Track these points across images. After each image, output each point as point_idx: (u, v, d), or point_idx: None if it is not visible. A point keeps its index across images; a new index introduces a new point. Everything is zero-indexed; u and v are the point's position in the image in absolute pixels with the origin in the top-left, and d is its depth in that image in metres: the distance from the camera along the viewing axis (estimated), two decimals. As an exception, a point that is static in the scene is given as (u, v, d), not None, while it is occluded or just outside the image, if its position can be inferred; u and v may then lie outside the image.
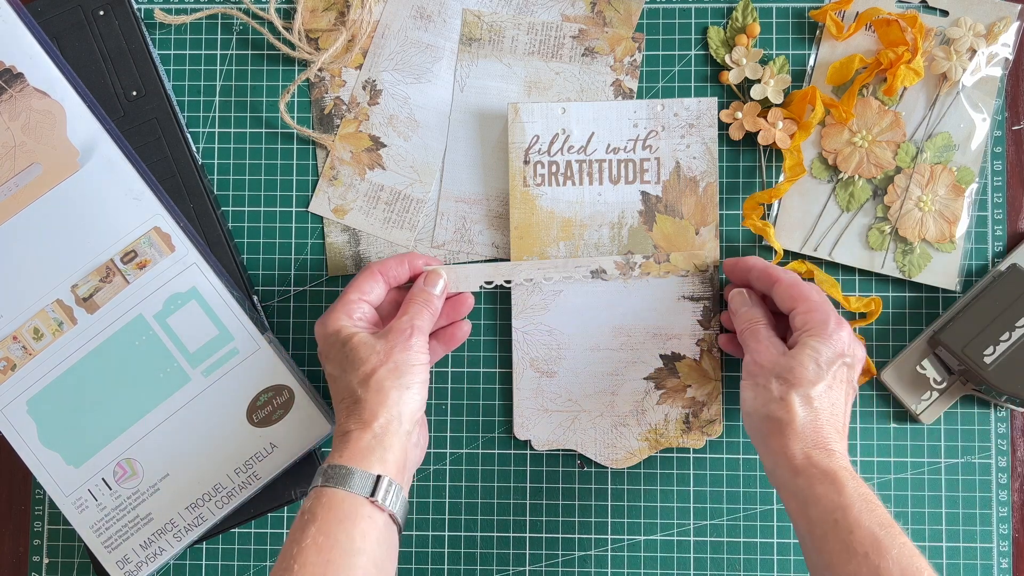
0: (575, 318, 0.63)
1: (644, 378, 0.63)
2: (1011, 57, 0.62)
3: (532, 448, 0.64)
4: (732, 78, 0.63)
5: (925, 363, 0.61)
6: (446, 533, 0.64)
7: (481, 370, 0.64)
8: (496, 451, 0.64)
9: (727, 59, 0.64)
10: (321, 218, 0.65)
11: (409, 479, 0.58)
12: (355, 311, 0.58)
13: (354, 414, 0.54)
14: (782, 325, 0.58)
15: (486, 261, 0.64)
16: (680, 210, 0.62)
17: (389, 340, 0.56)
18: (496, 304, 0.64)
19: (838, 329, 0.54)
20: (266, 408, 0.61)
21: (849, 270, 0.63)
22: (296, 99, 0.66)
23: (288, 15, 0.65)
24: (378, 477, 0.52)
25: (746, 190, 0.64)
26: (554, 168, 0.63)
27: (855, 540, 0.49)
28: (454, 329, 0.62)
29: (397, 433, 0.54)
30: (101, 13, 0.64)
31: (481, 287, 0.63)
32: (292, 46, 0.65)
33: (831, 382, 0.53)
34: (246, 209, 0.65)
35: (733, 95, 0.64)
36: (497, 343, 0.64)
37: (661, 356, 0.63)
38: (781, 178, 0.63)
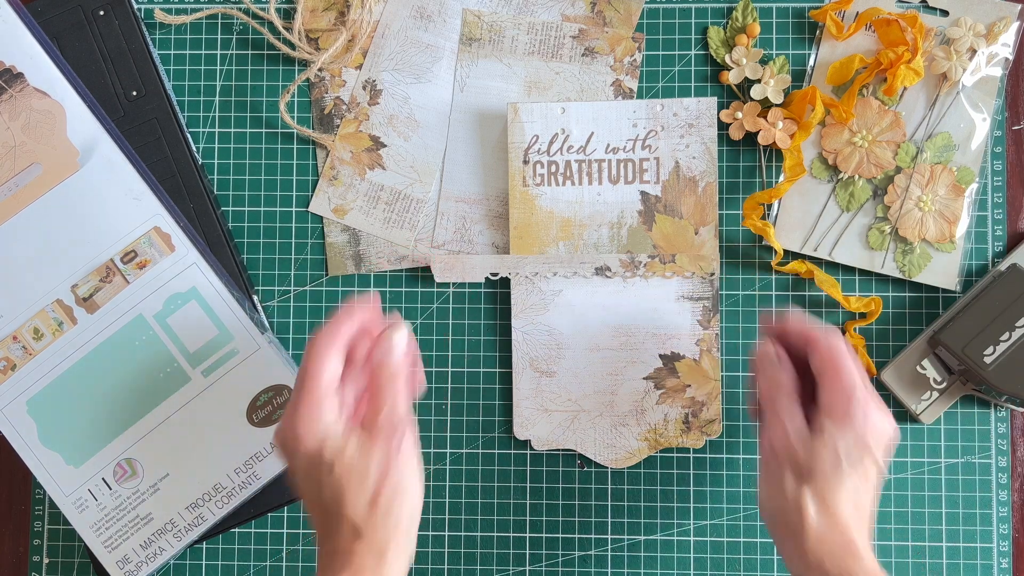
0: (575, 318, 0.63)
1: (644, 378, 0.63)
2: (1011, 57, 0.62)
3: (532, 448, 0.64)
4: (732, 78, 0.63)
5: (925, 363, 0.61)
6: (446, 533, 0.64)
7: (481, 370, 0.64)
8: (496, 451, 0.64)
9: (727, 59, 0.64)
10: (321, 218, 0.65)
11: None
12: (328, 407, 0.48)
13: (361, 542, 0.47)
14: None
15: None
16: (679, 210, 0.62)
17: (380, 445, 0.47)
18: (496, 304, 0.64)
19: (863, 409, 0.48)
20: (266, 408, 0.61)
21: (849, 270, 0.63)
22: (296, 99, 0.66)
23: (288, 15, 0.65)
24: None
25: (746, 190, 0.64)
26: (553, 168, 0.63)
27: None
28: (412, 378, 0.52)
29: (407, 550, 0.48)
30: (101, 13, 0.64)
31: (486, 278, 0.63)
32: (292, 46, 0.65)
33: (852, 475, 0.47)
34: (246, 209, 0.65)
35: (733, 95, 0.64)
36: (497, 343, 0.64)
37: (661, 356, 0.63)
38: (781, 178, 0.63)
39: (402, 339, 0.50)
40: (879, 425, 0.48)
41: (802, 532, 0.47)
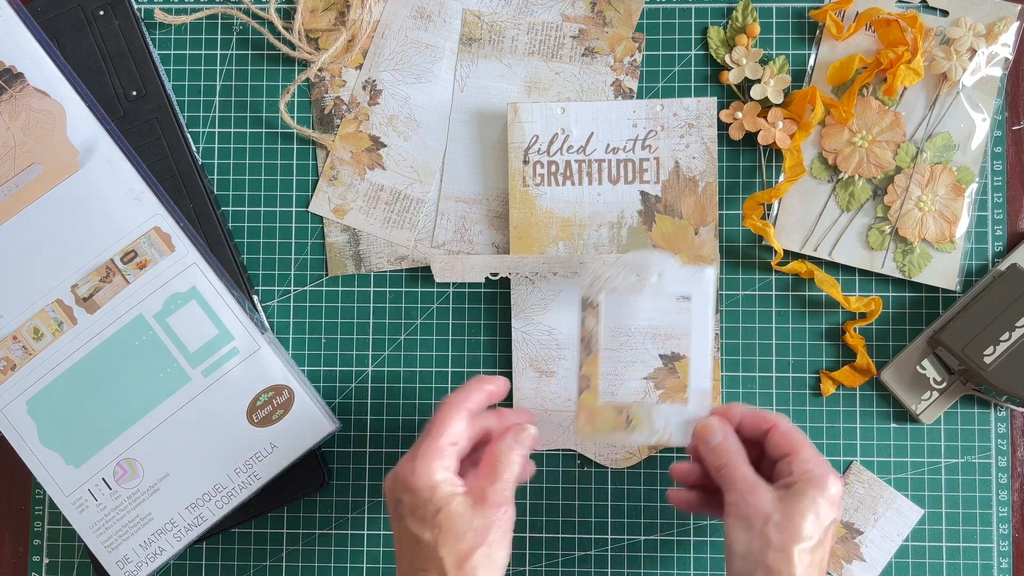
0: (575, 318, 0.63)
1: (644, 378, 0.63)
2: (1011, 57, 0.62)
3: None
4: (732, 78, 0.63)
5: (925, 363, 0.61)
6: (446, 533, 0.64)
7: (481, 370, 0.64)
8: (496, 451, 0.64)
9: (727, 59, 0.64)
10: (321, 218, 0.65)
11: None
12: (448, 457, 0.52)
13: None
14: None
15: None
16: (679, 210, 0.62)
17: (485, 514, 0.51)
18: (496, 304, 0.64)
19: (837, 483, 0.52)
20: (266, 408, 0.61)
21: (849, 270, 0.63)
22: (296, 99, 0.66)
23: (288, 15, 0.65)
24: None
25: (746, 190, 0.64)
26: (553, 168, 0.63)
27: None
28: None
29: None
30: (101, 13, 0.64)
31: (486, 279, 0.63)
32: (292, 46, 0.65)
33: (824, 539, 0.52)
34: (246, 209, 0.65)
35: (733, 95, 0.64)
36: (497, 343, 0.64)
37: (661, 356, 0.63)
38: (781, 178, 0.63)
39: (533, 437, 0.56)
40: (840, 493, 0.53)
41: None
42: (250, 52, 0.66)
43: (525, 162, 0.63)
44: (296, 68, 0.66)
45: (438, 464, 0.52)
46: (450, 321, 0.64)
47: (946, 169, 0.62)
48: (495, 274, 0.63)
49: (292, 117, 0.65)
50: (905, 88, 0.62)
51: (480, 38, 0.65)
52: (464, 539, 0.51)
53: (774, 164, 0.64)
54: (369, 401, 0.65)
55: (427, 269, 0.64)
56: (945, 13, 0.63)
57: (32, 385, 0.61)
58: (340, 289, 0.65)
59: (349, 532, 0.64)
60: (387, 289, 0.65)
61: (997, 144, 0.63)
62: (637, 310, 0.62)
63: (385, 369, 0.65)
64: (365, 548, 0.64)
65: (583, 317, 0.58)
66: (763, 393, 0.63)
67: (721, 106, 0.63)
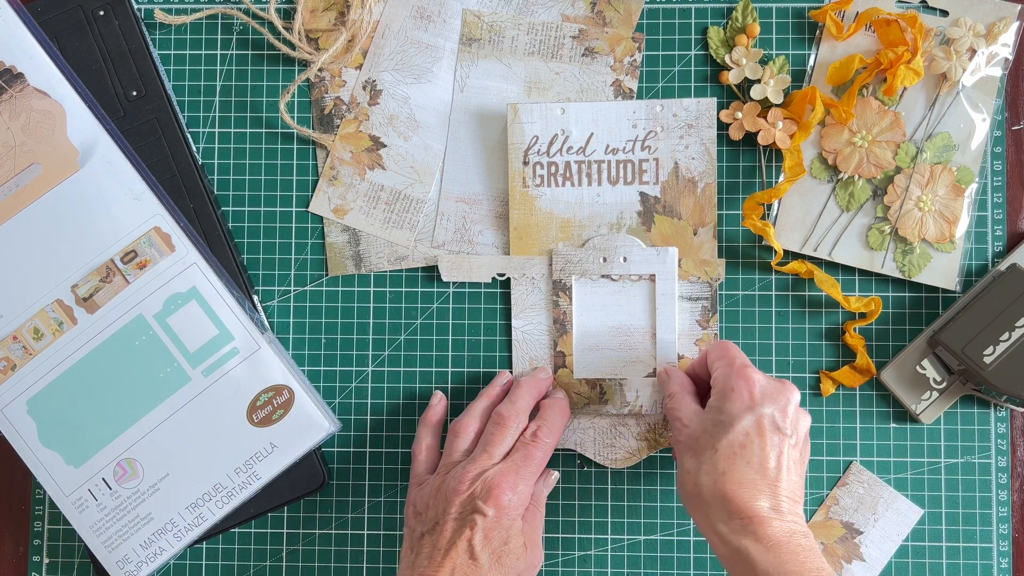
0: (575, 318, 0.63)
1: (643, 378, 0.63)
2: (1011, 57, 0.62)
3: (532, 448, 0.64)
4: (732, 78, 0.63)
5: (925, 363, 0.61)
6: (446, 533, 0.64)
7: (481, 370, 0.64)
8: (496, 451, 0.64)
9: (727, 59, 0.64)
10: (321, 218, 0.65)
11: None
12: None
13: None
14: None
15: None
16: (678, 211, 0.62)
17: (528, 559, 0.54)
18: (496, 304, 0.64)
19: (740, 381, 0.51)
20: (266, 408, 0.61)
21: (849, 270, 0.63)
22: (296, 99, 0.66)
23: (288, 15, 0.65)
24: None
25: (746, 190, 0.64)
26: (553, 169, 0.63)
27: None
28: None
29: None
30: (101, 13, 0.64)
31: (493, 279, 0.63)
32: (292, 46, 0.65)
33: (742, 440, 0.50)
34: (246, 209, 0.65)
35: (733, 95, 0.64)
36: (497, 343, 0.64)
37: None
38: (781, 178, 0.63)
39: (556, 477, 0.62)
40: (768, 388, 0.51)
41: (698, 497, 0.50)
42: (250, 52, 0.66)
43: (525, 163, 0.63)
44: (296, 68, 0.66)
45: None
46: (450, 321, 0.65)
47: (946, 169, 0.62)
48: (502, 274, 0.63)
49: (292, 117, 0.65)
50: (905, 88, 0.62)
51: (480, 38, 0.65)
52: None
53: (774, 164, 0.64)
54: (369, 401, 0.65)
55: (427, 269, 0.64)
56: (945, 13, 0.63)
57: (32, 385, 0.61)
58: (340, 289, 0.65)
59: (349, 532, 0.64)
60: (387, 289, 0.65)
61: (997, 144, 0.63)
62: (637, 310, 0.63)
63: (385, 369, 0.65)
64: (365, 548, 0.64)
65: (556, 299, 0.62)
66: (763, 393, 0.63)
67: (721, 106, 0.63)
